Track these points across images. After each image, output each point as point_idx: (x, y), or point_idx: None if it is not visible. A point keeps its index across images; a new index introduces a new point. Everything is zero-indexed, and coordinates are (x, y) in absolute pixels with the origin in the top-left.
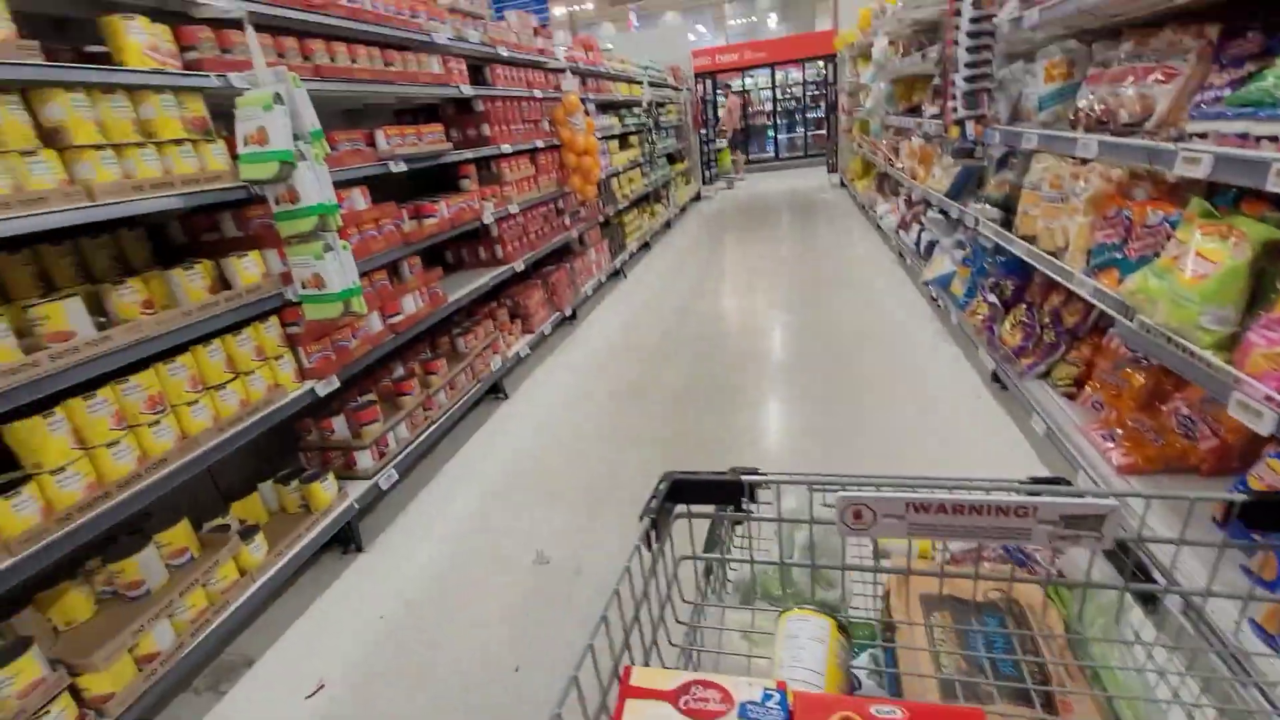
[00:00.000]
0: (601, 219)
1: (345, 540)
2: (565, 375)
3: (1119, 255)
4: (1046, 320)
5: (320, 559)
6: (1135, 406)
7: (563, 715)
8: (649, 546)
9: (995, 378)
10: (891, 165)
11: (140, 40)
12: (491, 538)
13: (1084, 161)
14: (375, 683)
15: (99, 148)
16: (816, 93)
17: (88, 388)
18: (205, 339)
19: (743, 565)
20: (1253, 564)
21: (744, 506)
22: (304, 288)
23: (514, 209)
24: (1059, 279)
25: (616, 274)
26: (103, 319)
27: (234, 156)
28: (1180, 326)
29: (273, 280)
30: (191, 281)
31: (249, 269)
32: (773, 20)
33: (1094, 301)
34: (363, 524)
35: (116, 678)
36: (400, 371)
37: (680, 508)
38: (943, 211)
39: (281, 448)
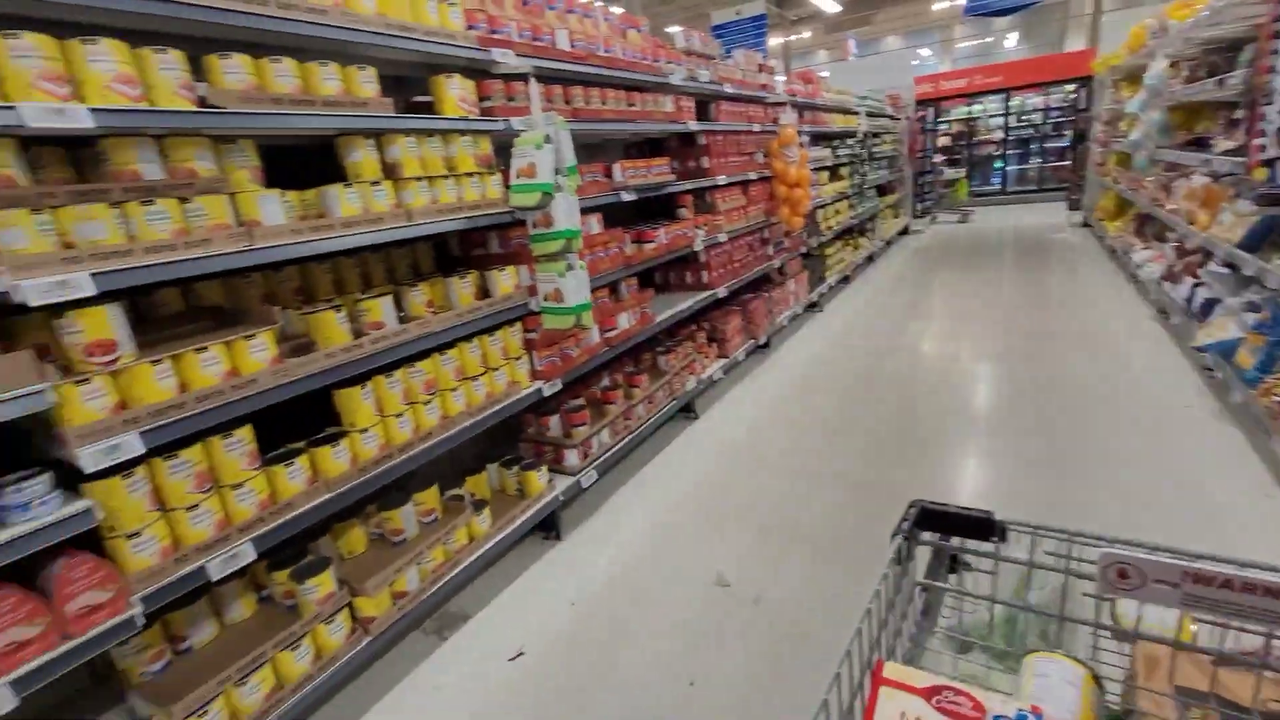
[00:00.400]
0: (804, 250)
1: (548, 527)
2: (754, 403)
3: None
4: None
5: (525, 541)
6: None
7: (829, 702)
8: (900, 564)
9: None
10: (1160, 206)
11: (456, 94)
12: (672, 550)
13: None
14: (562, 661)
15: (419, 179)
16: (1060, 119)
17: (387, 369)
18: (468, 337)
19: (953, 615)
20: None
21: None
22: (545, 300)
23: (723, 237)
24: None
25: (813, 306)
26: (401, 314)
27: (506, 186)
28: None
29: (521, 291)
30: (464, 288)
31: (505, 281)
32: (1011, 40)
33: None
34: (563, 514)
35: (379, 604)
36: (608, 381)
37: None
38: (1230, 265)
39: (506, 436)
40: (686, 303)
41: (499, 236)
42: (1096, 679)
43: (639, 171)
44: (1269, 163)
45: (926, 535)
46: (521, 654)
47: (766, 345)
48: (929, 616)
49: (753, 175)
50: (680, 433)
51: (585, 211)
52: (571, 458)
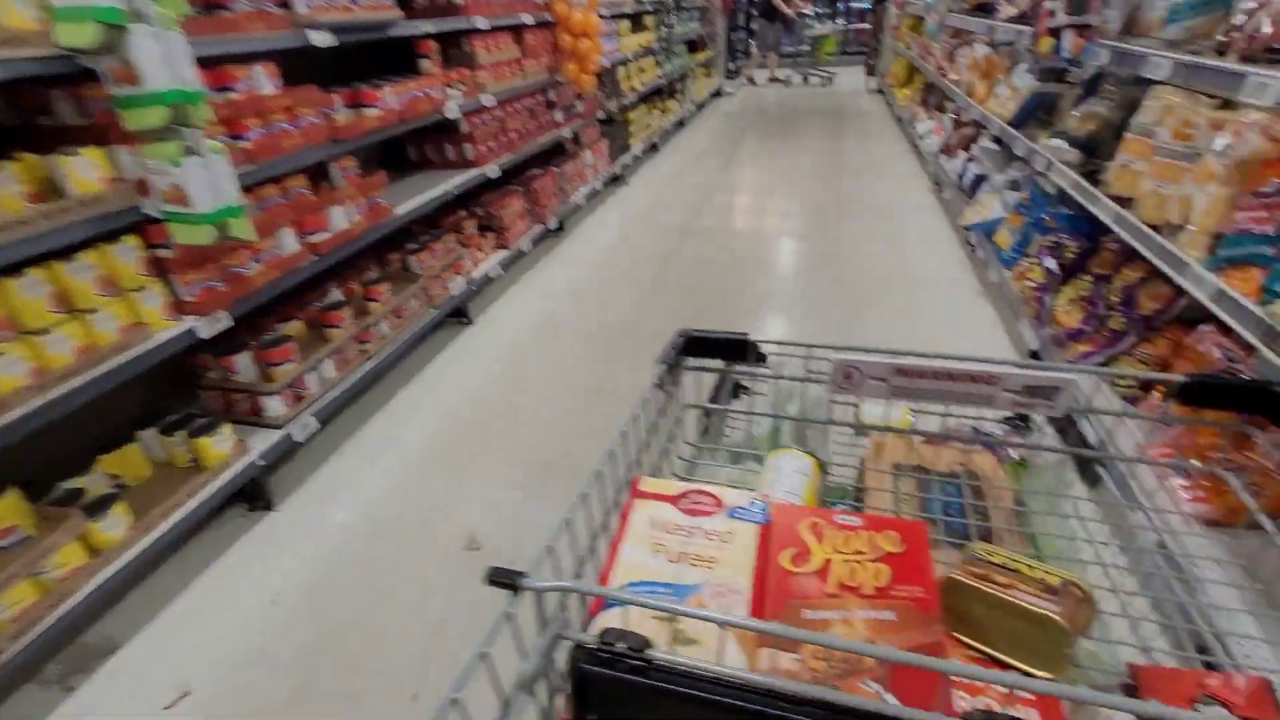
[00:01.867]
0: (602, 115)
1: (254, 497)
2: (540, 303)
3: (1267, 251)
4: (1115, 300)
5: (225, 514)
6: (1220, 433)
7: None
8: (662, 389)
9: (1035, 357)
10: (944, 75)
11: None
12: (419, 502)
13: (1230, 105)
14: (249, 693)
15: None
16: None
17: None
18: (18, 267)
19: (735, 431)
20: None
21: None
22: (166, 202)
23: (488, 100)
24: (1162, 265)
25: (616, 179)
26: None
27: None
28: None
29: (124, 188)
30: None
31: (85, 172)
32: None
33: (1214, 308)
34: (277, 476)
35: None
36: (334, 297)
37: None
38: (1000, 142)
39: (177, 385)
40: (442, 187)
41: (71, 97)
42: (822, 465)
43: (339, 2)
44: (1057, 32)
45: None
46: (186, 695)
47: (560, 230)
48: (709, 435)
49: (528, 19)
50: (449, 344)
51: (244, 59)
52: (273, 406)
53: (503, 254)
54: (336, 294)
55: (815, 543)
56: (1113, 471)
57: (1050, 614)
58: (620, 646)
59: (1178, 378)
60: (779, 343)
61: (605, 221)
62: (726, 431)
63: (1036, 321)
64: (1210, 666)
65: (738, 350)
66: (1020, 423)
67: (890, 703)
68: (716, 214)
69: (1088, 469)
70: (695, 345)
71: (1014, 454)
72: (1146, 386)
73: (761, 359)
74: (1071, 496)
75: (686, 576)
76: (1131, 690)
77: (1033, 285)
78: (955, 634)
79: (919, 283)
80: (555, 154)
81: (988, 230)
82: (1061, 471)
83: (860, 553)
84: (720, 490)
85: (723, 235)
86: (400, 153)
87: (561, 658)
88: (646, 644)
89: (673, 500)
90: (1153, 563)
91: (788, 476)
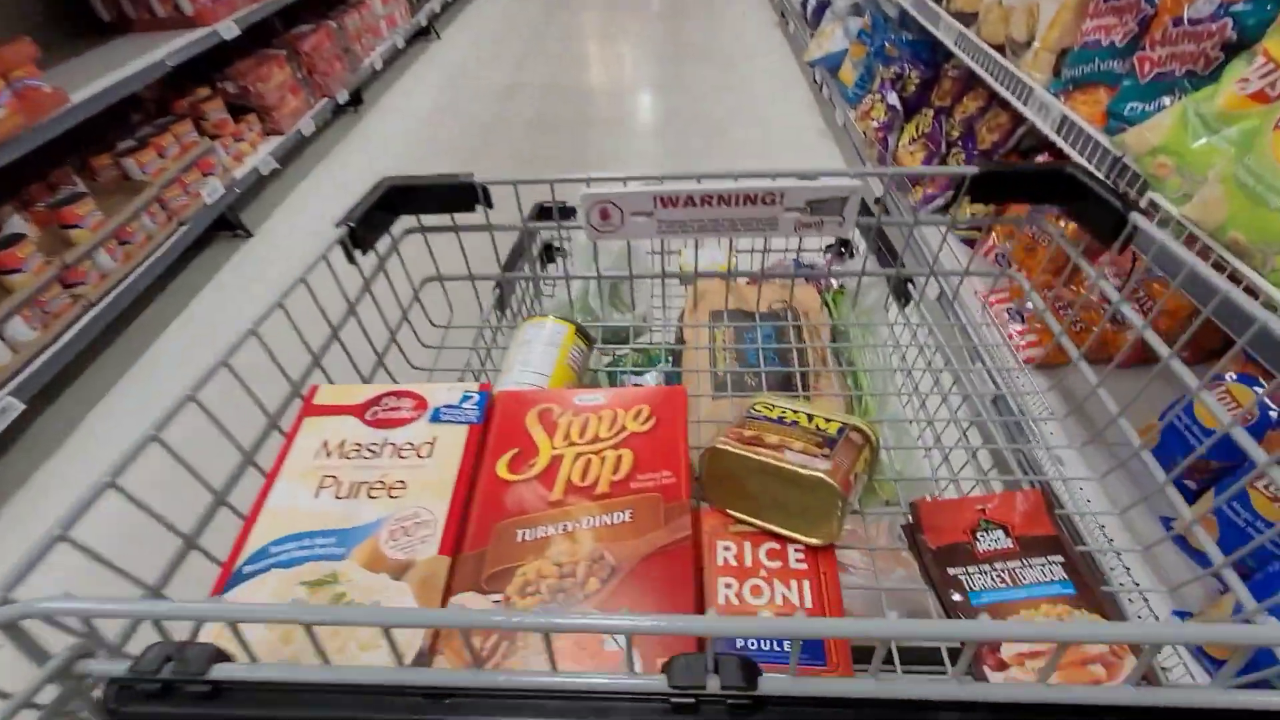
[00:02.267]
0: None
1: None
2: (336, 202)
3: (1116, 67)
4: (956, 134)
5: None
6: (1053, 271)
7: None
8: (349, 257)
9: (879, 205)
10: None
11: None
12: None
13: None
14: None
15: None
16: None
17: None
18: None
19: (549, 301)
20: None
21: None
22: None
23: None
24: (1003, 90)
25: (424, 33)
26: None
27: None
28: (1253, 237)
29: None
30: None
31: None
32: None
33: (1057, 139)
34: None
35: None
36: (10, 229)
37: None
38: None
39: None
40: (149, 57)
41: None
42: (583, 333)
43: None
44: None
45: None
46: None
47: (356, 103)
48: (500, 308)
49: None
50: (223, 265)
51: None
52: None
53: (275, 142)
54: (17, 223)
55: (544, 437)
56: (941, 300)
57: (818, 475)
58: (170, 670)
59: (969, 170)
60: (514, 181)
61: (414, 88)
62: (537, 307)
63: (880, 165)
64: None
65: (459, 196)
66: (843, 250)
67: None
68: (549, 67)
69: (904, 294)
70: (401, 199)
71: (835, 283)
72: (985, 229)
73: (489, 203)
74: (890, 324)
75: (360, 515)
76: (913, 529)
77: (876, 125)
78: (728, 510)
79: (767, 128)
80: (330, 4)
81: (832, 66)
82: (882, 299)
83: (599, 440)
84: (427, 388)
85: (557, 93)
86: (87, 10)
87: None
88: (219, 656)
89: (357, 411)
90: (971, 387)
91: (536, 351)
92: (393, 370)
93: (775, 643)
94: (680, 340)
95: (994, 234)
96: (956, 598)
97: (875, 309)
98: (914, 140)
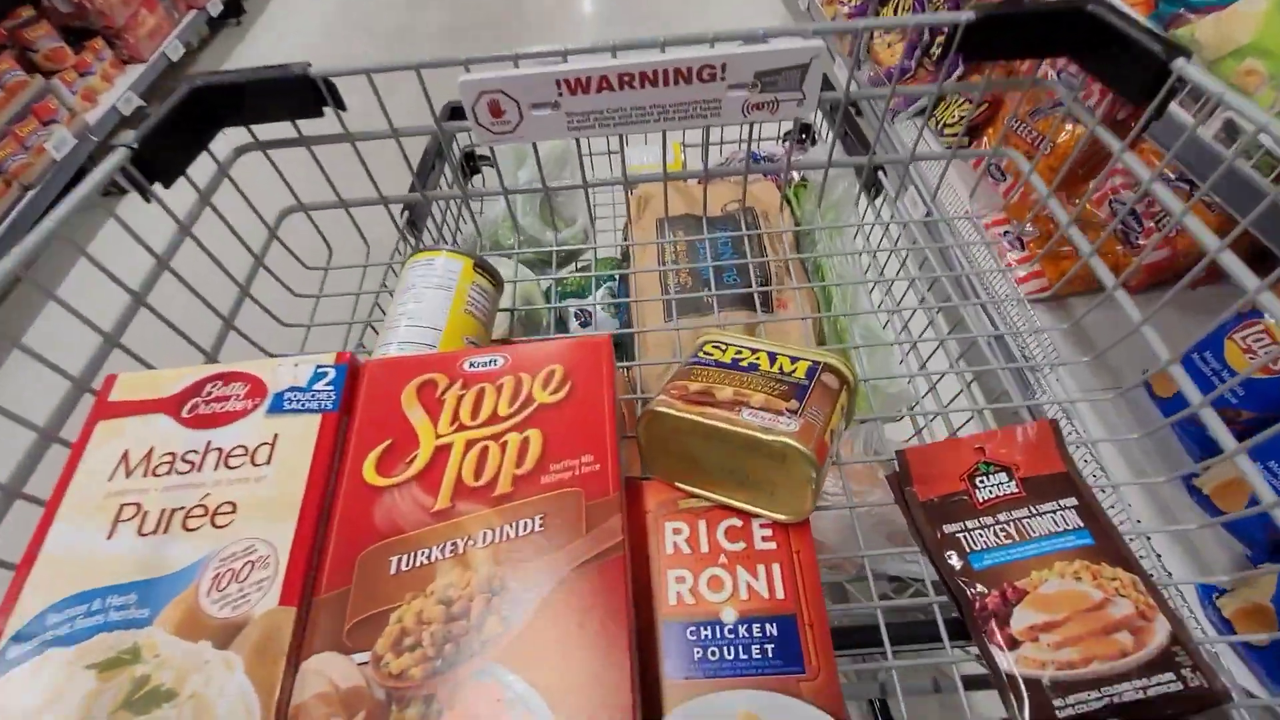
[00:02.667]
0: None
1: None
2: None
3: None
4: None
5: None
6: (1053, 172)
7: None
8: (143, 192)
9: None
10: None
11: None
12: None
13: None
14: None
15: None
16: None
17: None
18: None
19: (491, 211)
20: None
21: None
22: None
23: None
24: None
25: None
26: None
27: None
28: None
29: None
30: None
31: None
32: None
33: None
34: None
35: None
36: None
37: None
38: None
39: None
40: None
41: None
42: (484, 268)
43: None
44: None
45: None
46: None
47: (236, 12)
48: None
49: None
50: (100, 229)
51: None
52: None
53: (136, 72)
54: None
55: (425, 421)
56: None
57: (784, 440)
58: None
59: (963, 17)
60: (362, 71)
61: None
62: (461, 235)
63: (853, 60)
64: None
65: (294, 96)
66: (803, 137)
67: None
68: None
69: (877, 185)
70: (219, 105)
71: (796, 176)
72: (972, 131)
73: (340, 104)
74: (861, 223)
75: (172, 557)
76: (900, 481)
77: (847, 11)
78: (677, 484)
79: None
80: None
81: None
82: (852, 194)
83: (497, 420)
84: (264, 366)
85: None
86: None
87: None
88: None
89: (170, 406)
90: (954, 288)
91: (423, 299)
92: (263, 338)
93: (741, 647)
94: (625, 259)
95: (985, 137)
96: (955, 562)
97: (844, 204)
98: (892, 32)
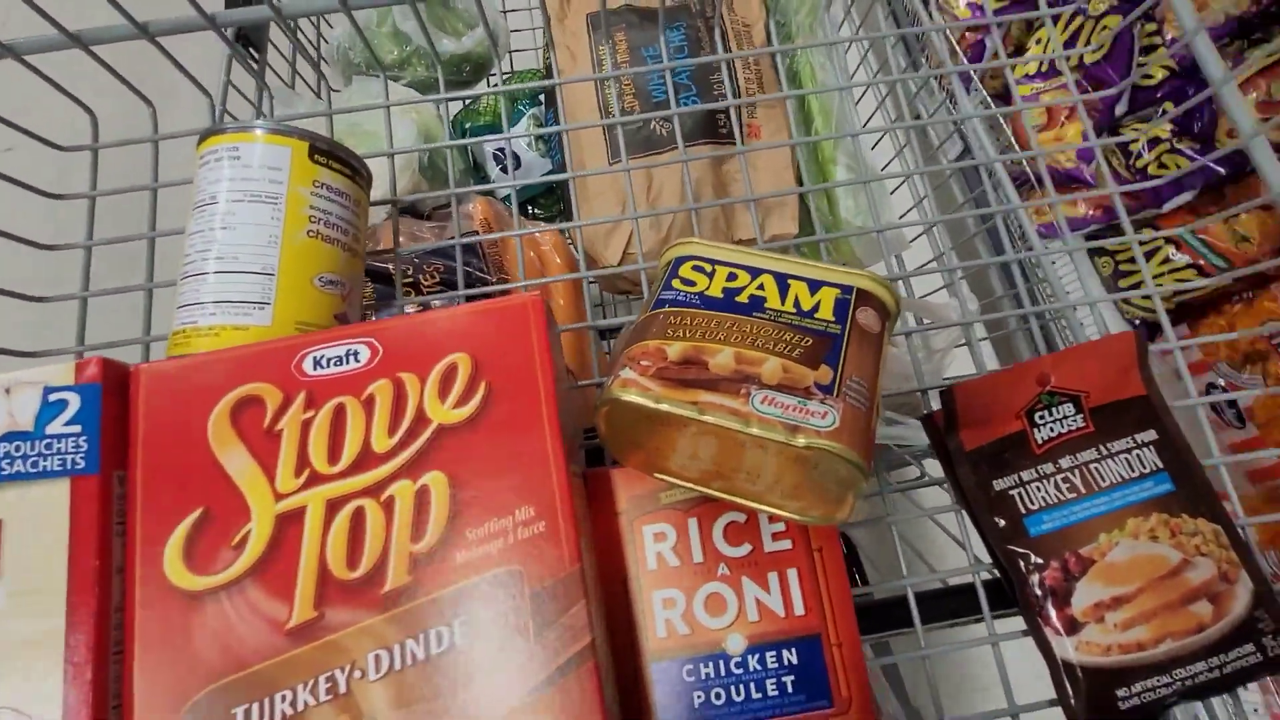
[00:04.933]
0: None
1: None
2: None
3: None
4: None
5: None
6: None
7: None
8: None
9: None
10: None
11: None
12: None
13: None
14: None
15: None
16: None
17: None
18: None
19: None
20: None
21: None
22: None
23: None
24: None
25: None
26: None
27: None
28: None
29: None
30: None
31: None
32: None
33: None
34: None
35: None
36: None
37: None
38: None
39: None
40: None
41: None
42: (332, 156)
43: None
44: None
45: None
46: None
47: None
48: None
49: None
50: None
51: None
52: None
53: None
54: None
55: (252, 471)
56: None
57: (823, 445)
58: None
59: None
60: None
61: None
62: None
63: None
64: None
65: None
66: None
67: None
68: None
69: None
70: None
71: None
72: None
73: None
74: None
75: None
76: (940, 429)
77: None
78: (656, 474)
79: None
80: None
81: None
82: None
83: (374, 459)
84: None
85: None
86: None
87: None
88: None
89: None
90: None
91: (227, 225)
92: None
93: (753, 683)
94: (549, 69)
95: None
96: (1004, 525)
97: None
98: None
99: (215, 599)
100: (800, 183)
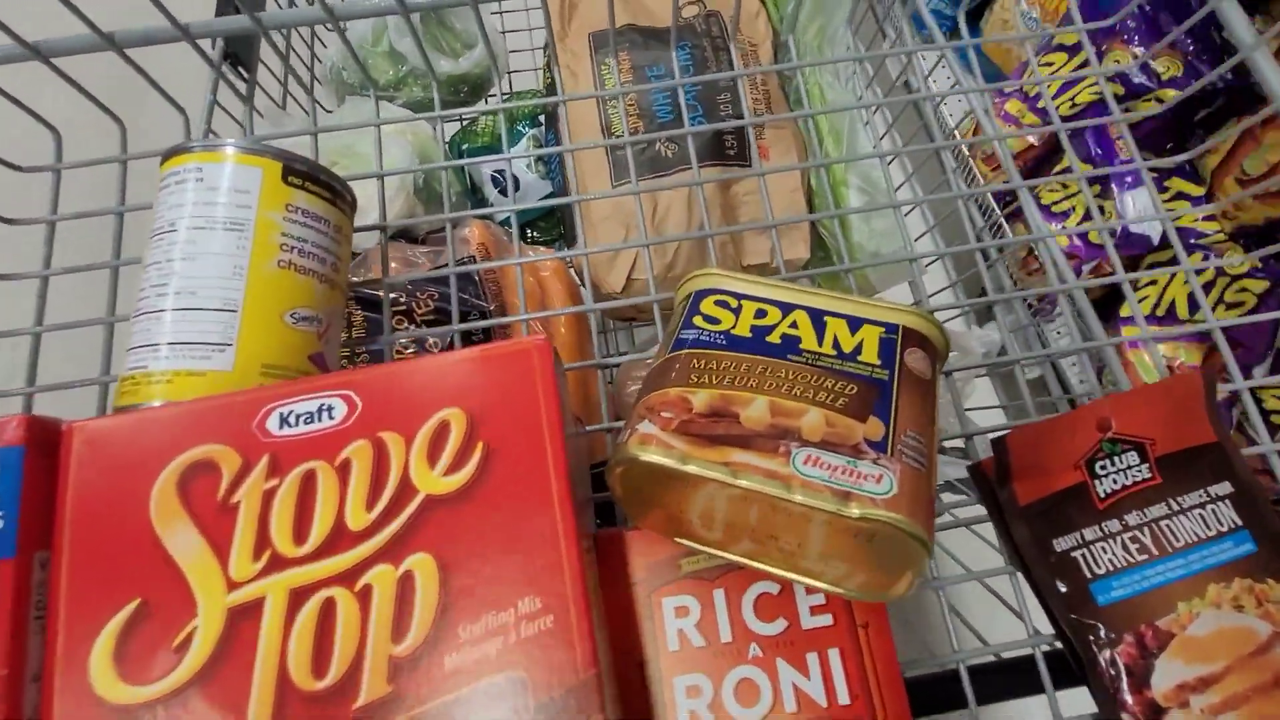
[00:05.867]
0: None
1: None
2: None
3: None
4: None
5: None
6: None
7: None
8: None
9: None
10: None
11: None
12: None
13: None
14: None
15: None
16: None
17: None
18: None
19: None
20: None
21: None
22: None
23: None
24: None
25: None
26: None
27: None
28: None
29: None
30: None
31: None
32: None
33: None
34: None
35: None
36: None
37: None
38: None
39: None
40: None
41: None
42: (307, 178)
43: None
44: None
45: None
46: None
47: None
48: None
49: None
50: None
51: None
52: None
53: None
54: None
55: (202, 553)
56: None
57: (880, 516)
58: None
59: None
60: None
61: None
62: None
63: None
64: None
65: None
66: None
67: None
68: None
69: None
70: None
71: None
72: None
73: None
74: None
75: None
76: (992, 481)
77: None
78: (677, 539)
79: None
80: None
81: None
82: None
83: (349, 538)
84: None
85: None
86: None
87: None
88: None
89: None
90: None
91: (188, 256)
92: None
93: None
94: (549, 89)
95: None
96: (1067, 591)
97: (829, 9)
98: None
99: (152, 715)
100: (811, 204)
